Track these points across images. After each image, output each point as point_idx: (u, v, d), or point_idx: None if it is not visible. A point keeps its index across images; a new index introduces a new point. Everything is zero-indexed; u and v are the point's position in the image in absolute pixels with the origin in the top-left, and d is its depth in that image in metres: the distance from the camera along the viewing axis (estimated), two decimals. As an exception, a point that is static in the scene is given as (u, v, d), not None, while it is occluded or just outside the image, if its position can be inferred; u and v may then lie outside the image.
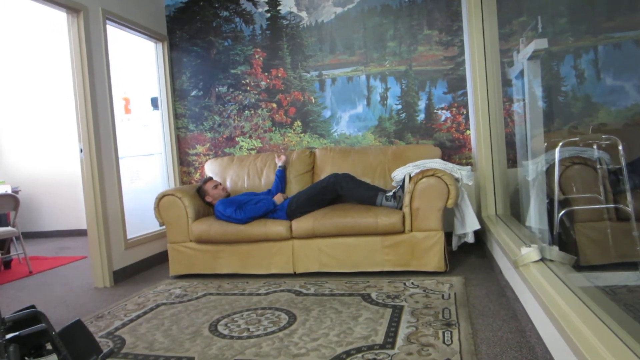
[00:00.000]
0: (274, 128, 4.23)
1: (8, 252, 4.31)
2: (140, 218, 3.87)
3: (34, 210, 6.37)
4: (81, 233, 5.88)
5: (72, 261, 4.45)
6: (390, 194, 3.13)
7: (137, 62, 4.23)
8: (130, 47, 4.11)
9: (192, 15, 4.35)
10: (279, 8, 4.17)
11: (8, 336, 1.37)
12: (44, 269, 4.15)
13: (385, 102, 3.98)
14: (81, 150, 3.33)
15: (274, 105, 4.21)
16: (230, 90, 4.30)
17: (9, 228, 4.09)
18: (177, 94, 4.42)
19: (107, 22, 3.58)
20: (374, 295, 2.61)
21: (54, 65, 5.96)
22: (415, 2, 3.88)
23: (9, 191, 4.62)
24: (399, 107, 3.95)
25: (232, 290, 2.97)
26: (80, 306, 2.93)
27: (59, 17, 3.43)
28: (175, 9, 4.38)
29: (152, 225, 3.94)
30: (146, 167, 4.23)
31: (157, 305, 2.75)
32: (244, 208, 3.25)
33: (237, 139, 4.31)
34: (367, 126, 4.03)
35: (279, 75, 4.19)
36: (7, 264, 4.30)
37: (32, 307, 1.53)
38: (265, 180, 3.80)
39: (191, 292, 2.99)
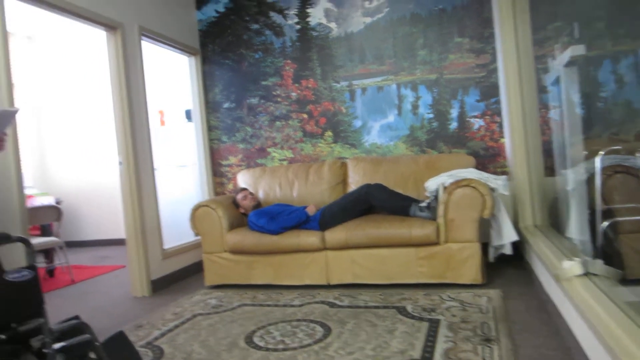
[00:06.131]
0: (305, 138, 4.26)
1: (52, 261, 4.48)
2: (175, 228, 3.95)
3: (75, 220, 6.60)
4: (119, 242, 6.04)
5: (111, 270, 4.59)
6: (424, 204, 3.09)
7: (172, 76, 4.36)
8: (165, 61, 4.24)
9: (223, 29, 4.45)
10: (308, 20, 4.22)
11: (56, 346, 1.43)
12: (84, 278, 4.29)
13: (416, 110, 3.95)
14: (120, 163, 3.44)
15: (305, 115, 4.25)
16: (262, 101, 4.36)
17: (54, 238, 4.26)
18: (210, 106, 4.52)
19: (143, 37, 3.71)
20: (409, 308, 2.58)
21: (93, 81, 6.19)
22: (445, 10, 3.85)
23: (53, 203, 4.80)
24: (431, 115, 3.91)
25: (267, 301, 2.99)
26: (120, 315, 3.01)
27: (98, 35, 3.57)
28: (207, 23, 4.49)
29: (187, 236, 4.02)
30: (181, 178, 4.33)
31: (194, 316, 2.80)
32: (277, 219, 3.28)
33: (268, 149, 4.36)
34: (398, 135, 4.00)
35: (309, 86, 4.22)
36: (51, 272, 4.47)
37: (77, 317, 1.59)
38: (297, 191, 3.82)
39: (226, 302, 3.03)
